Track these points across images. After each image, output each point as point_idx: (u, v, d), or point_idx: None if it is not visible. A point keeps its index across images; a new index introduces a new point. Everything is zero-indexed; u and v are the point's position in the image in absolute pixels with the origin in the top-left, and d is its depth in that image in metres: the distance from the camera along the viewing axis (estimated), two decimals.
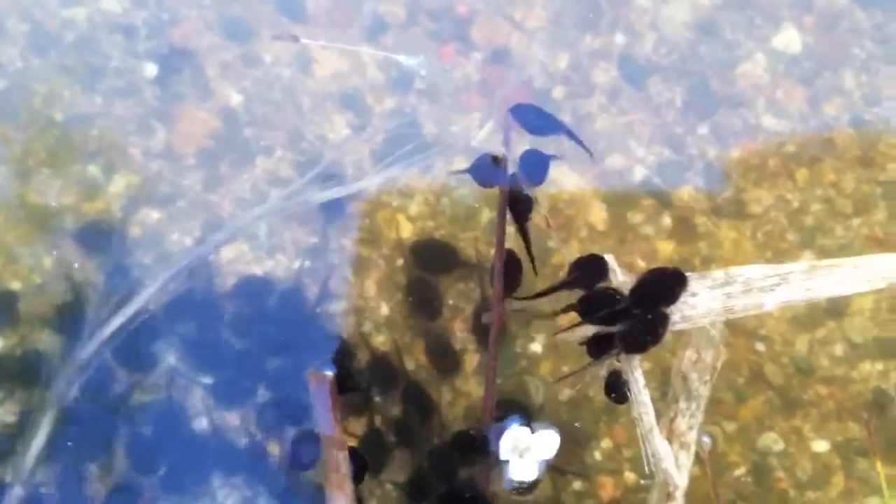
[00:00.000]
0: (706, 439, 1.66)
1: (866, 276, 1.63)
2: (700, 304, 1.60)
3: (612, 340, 1.57)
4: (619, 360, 1.59)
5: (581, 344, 1.61)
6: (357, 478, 1.58)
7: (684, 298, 1.60)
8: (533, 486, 1.62)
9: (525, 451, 1.56)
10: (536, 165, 1.67)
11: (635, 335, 1.57)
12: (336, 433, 1.56)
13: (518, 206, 1.63)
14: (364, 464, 1.61)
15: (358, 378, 1.66)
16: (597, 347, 1.59)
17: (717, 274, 1.63)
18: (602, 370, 1.61)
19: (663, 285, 1.58)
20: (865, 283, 1.63)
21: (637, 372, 1.59)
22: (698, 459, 1.65)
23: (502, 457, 1.57)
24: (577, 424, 1.66)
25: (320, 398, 1.57)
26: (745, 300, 1.61)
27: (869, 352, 1.69)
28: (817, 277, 1.62)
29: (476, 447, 1.59)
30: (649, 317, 1.56)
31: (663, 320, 1.56)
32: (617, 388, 1.60)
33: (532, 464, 1.58)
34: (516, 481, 1.59)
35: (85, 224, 1.72)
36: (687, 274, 1.59)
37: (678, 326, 1.60)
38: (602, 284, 1.59)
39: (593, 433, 1.67)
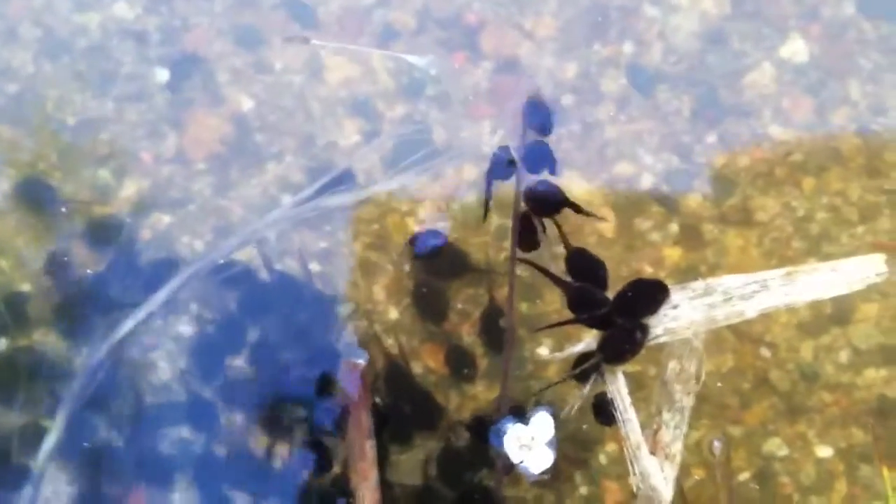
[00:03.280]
0: (717, 443, 1.67)
1: (845, 279, 1.66)
2: (682, 316, 1.63)
3: (593, 353, 1.60)
4: (603, 380, 1.62)
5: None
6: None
7: (666, 311, 1.62)
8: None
9: (530, 442, 1.59)
10: (539, 156, 1.69)
11: (614, 345, 1.59)
12: (363, 421, 1.58)
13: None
14: (385, 419, 1.63)
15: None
16: (581, 364, 1.62)
17: (697, 285, 1.65)
18: (585, 389, 1.63)
19: (645, 295, 1.61)
20: (844, 286, 1.66)
21: (623, 390, 1.61)
22: (706, 464, 1.67)
23: (514, 460, 1.60)
24: (584, 427, 1.68)
25: (351, 385, 1.59)
26: (726, 309, 1.64)
27: (873, 359, 1.71)
28: (796, 282, 1.65)
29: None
30: (628, 327, 1.58)
31: (642, 330, 1.59)
32: (603, 410, 1.63)
33: (543, 450, 1.60)
34: (538, 473, 1.61)
35: (96, 227, 1.73)
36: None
37: (662, 339, 1.63)
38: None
39: (599, 437, 1.68)
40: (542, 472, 1.62)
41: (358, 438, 1.59)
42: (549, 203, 1.68)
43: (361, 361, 1.61)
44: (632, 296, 1.60)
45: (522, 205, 1.67)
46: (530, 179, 1.70)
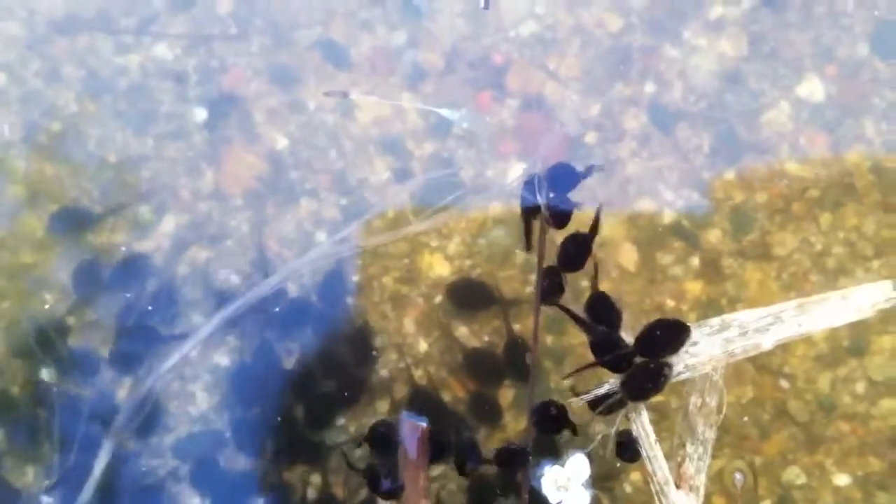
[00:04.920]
0: (738, 476, 1.70)
1: (855, 306, 1.69)
2: (702, 352, 1.66)
3: (616, 392, 1.63)
4: (628, 418, 1.65)
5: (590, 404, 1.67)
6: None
7: (686, 348, 1.66)
8: None
9: (567, 483, 1.62)
10: (565, 179, 1.73)
11: (637, 383, 1.62)
12: (421, 481, 1.60)
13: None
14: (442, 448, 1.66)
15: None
16: (603, 403, 1.65)
17: (714, 321, 1.69)
18: (613, 429, 1.66)
19: (668, 335, 1.64)
20: (855, 313, 1.69)
21: (648, 427, 1.65)
22: (726, 493, 1.70)
23: (553, 501, 1.63)
24: (604, 455, 1.70)
25: (411, 446, 1.62)
26: (743, 342, 1.67)
27: (889, 389, 1.73)
28: (808, 313, 1.69)
29: (518, 460, 1.64)
30: (651, 365, 1.61)
31: (665, 369, 1.62)
32: (628, 448, 1.66)
33: (579, 492, 1.64)
34: None
35: (136, 262, 1.77)
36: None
37: (683, 376, 1.66)
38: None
39: (623, 466, 1.71)
40: None
41: (413, 497, 1.62)
42: (580, 251, 1.70)
43: (423, 424, 1.65)
44: (654, 335, 1.63)
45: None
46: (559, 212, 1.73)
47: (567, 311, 1.67)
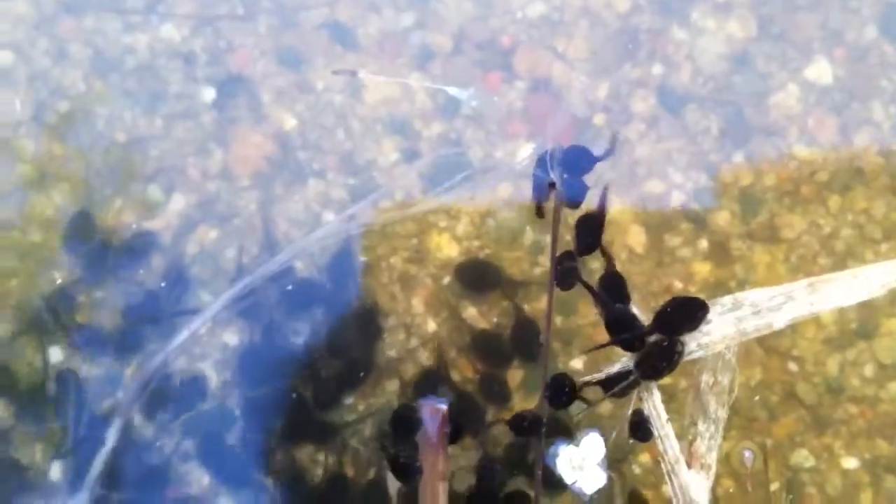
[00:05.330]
0: (748, 454, 1.71)
1: (865, 285, 1.69)
2: (714, 331, 1.66)
3: (630, 372, 1.63)
4: (640, 398, 1.65)
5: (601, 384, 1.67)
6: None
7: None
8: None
9: (582, 463, 1.62)
10: (581, 161, 1.73)
11: (651, 361, 1.62)
12: (441, 465, 1.61)
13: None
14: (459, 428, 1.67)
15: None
16: (617, 384, 1.65)
17: (726, 300, 1.69)
18: (628, 410, 1.66)
19: (685, 313, 1.63)
20: (865, 292, 1.69)
21: (659, 407, 1.65)
22: (735, 474, 1.70)
23: (568, 481, 1.63)
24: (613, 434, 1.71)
25: (431, 429, 1.62)
26: (756, 321, 1.67)
27: None
28: (819, 292, 1.68)
29: (531, 427, 1.64)
30: (665, 344, 1.61)
31: (679, 346, 1.62)
32: (640, 427, 1.66)
33: (595, 471, 1.64)
34: (593, 493, 1.65)
35: (145, 241, 1.78)
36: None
37: (696, 354, 1.66)
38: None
39: (632, 446, 1.72)
40: (598, 492, 1.65)
41: (431, 480, 1.62)
42: (595, 233, 1.70)
43: (444, 406, 1.65)
44: (672, 314, 1.62)
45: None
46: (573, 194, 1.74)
47: (587, 286, 1.66)
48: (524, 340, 1.76)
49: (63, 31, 1.88)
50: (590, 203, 1.73)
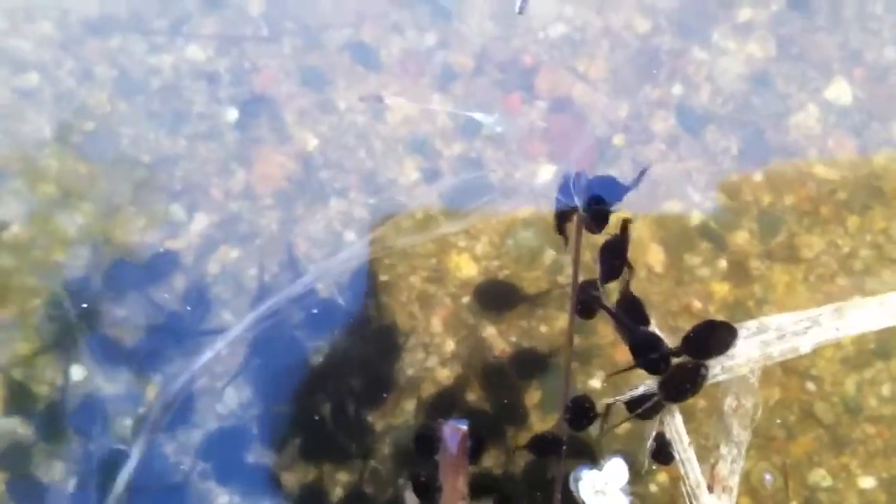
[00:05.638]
0: (768, 477, 1.71)
1: (891, 311, 1.70)
2: (739, 354, 1.66)
3: (654, 394, 1.64)
4: (662, 423, 1.66)
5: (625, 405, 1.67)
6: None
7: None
8: None
9: (605, 488, 1.63)
10: (610, 190, 1.74)
11: (675, 383, 1.63)
12: (460, 484, 1.62)
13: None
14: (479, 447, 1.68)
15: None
16: (641, 405, 1.66)
17: (751, 323, 1.69)
18: (648, 434, 1.67)
19: (715, 337, 1.64)
20: (891, 318, 1.70)
21: (681, 429, 1.66)
22: (753, 493, 1.70)
23: None
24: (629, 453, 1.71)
25: (451, 448, 1.63)
26: (781, 346, 1.68)
27: None
28: (845, 317, 1.69)
29: (553, 447, 1.65)
30: (689, 366, 1.62)
31: (703, 369, 1.63)
32: (662, 451, 1.67)
33: (617, 496, 1.65)
34: None
35: (167, 260, 1.79)
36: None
37: (720, 377, 1.66)
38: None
39: (650, 466, 1.72)
40: None
41: (451, 499, 1.63)
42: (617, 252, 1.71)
43: (464, 427, 1.66)
44: (701, 337, 1.63)
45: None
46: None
47: (611, 313, 1.67)
48: (541, 360, 1.76)
49: (88, 52, 1.90)
50: (612, 228, 1.74)
